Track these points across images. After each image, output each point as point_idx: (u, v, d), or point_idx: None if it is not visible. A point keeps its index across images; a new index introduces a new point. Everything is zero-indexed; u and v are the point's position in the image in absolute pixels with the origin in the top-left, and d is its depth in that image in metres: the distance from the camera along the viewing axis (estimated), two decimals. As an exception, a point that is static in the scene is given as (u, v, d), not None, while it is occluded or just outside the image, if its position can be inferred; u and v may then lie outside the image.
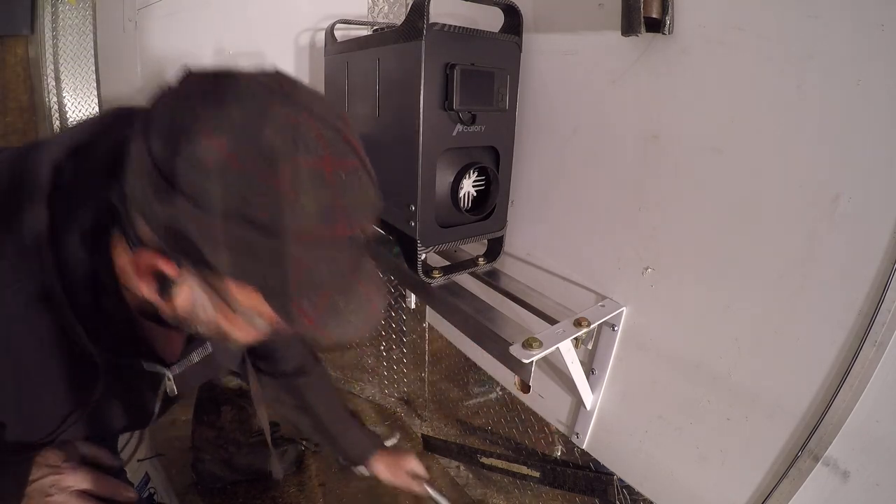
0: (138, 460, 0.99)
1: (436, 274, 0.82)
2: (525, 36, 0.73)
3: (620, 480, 0.87)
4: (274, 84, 0.38)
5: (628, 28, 0.60)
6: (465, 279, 0.85)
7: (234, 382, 1.14)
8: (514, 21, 0.72)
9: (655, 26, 0.59)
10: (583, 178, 0.76)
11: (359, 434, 0.94)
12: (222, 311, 0.40)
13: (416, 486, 0.91)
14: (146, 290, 0.40)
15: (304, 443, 1.38)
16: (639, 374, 0.74)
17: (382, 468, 0.93)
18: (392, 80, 0.74)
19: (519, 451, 1.16)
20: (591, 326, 0.69)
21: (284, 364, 0.84)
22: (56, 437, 0.52)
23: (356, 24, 1.04)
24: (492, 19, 0.76)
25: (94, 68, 2.36)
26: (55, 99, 2.30)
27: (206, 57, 1.54)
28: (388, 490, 1.27)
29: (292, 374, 0.86)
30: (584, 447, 0.85)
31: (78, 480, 0.58)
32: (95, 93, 2.38)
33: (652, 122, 0.64)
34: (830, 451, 0.53)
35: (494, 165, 0.78)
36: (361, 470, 0.94)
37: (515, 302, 0.81)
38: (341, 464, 0.96)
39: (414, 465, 0.93)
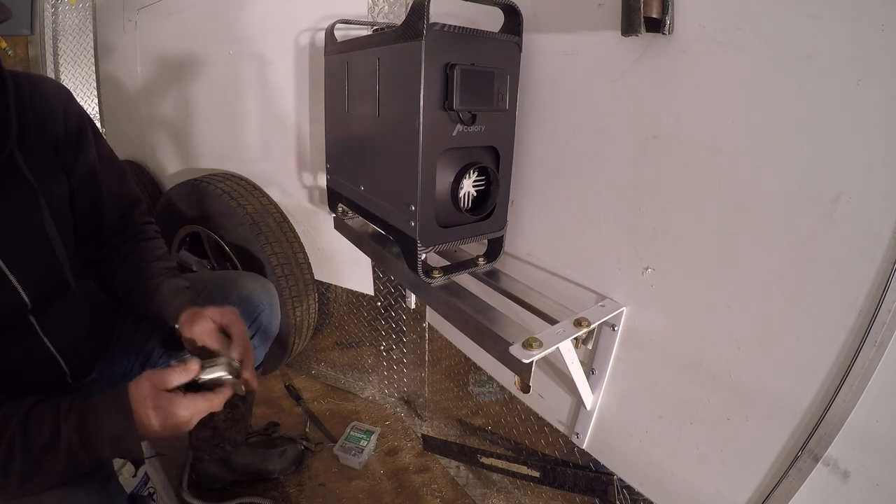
0: None
1: (436, 274, 0.82)
2: (525, 36, 0.73)
3: (620, 480, 0.87)
4: None
5: (628, 28, 0.60)
6: (465, 279, 0.85)
7: None
8: (514, 21, 0.72)
9: (655, 26, 0.59)
10: (583, 178, 0.76)
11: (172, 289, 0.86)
12: None
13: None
14: None
15: (303, 443, 1.38)
16: (639, 374, 0.74)
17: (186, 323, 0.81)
18: (392, 80, 0.74)
19: (519, 451, 1.16)
20: (591, 326, 0.69)
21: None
22: None
23: (356, 24, 1.04)
24: (492, 19, 0.76)
25: (94, 68, 2.37)
26: (55, 99, 2.29)
27: (206, 57, 1.54)
28: (388, 490, 1.27)
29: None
30: (584, 447, 0.86)
31: (166, 380, 0.65)
32: (95, 93, 2.39)
33: (652, 122, 0.64)
34: (830, 451, 0.53)
35: (494, 165, 0.78)
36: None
37: (515, 302, 0.81)
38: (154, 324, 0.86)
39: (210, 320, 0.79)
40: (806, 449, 0.55)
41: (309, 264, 1.45)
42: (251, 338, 1.05)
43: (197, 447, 1.21)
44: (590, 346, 0.79)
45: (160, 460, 1.11)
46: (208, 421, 1.15)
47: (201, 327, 0.78)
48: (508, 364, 0.66)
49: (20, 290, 0.72)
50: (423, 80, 0.65)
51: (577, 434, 0.85)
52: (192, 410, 0.66)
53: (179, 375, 0.66)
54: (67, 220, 0.80)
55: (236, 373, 0.73)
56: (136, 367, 0.95)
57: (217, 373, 0.71)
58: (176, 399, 0.64)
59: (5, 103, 0.68)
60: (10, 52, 2.54)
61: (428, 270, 0.81)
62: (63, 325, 0.79)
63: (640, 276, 0.70)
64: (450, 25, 0.65)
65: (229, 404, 1.17)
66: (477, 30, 0.69)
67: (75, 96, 0.83)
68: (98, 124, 2.38)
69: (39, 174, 0.73)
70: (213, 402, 0.69)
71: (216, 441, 1.18)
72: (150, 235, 0.93)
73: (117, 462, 0.93)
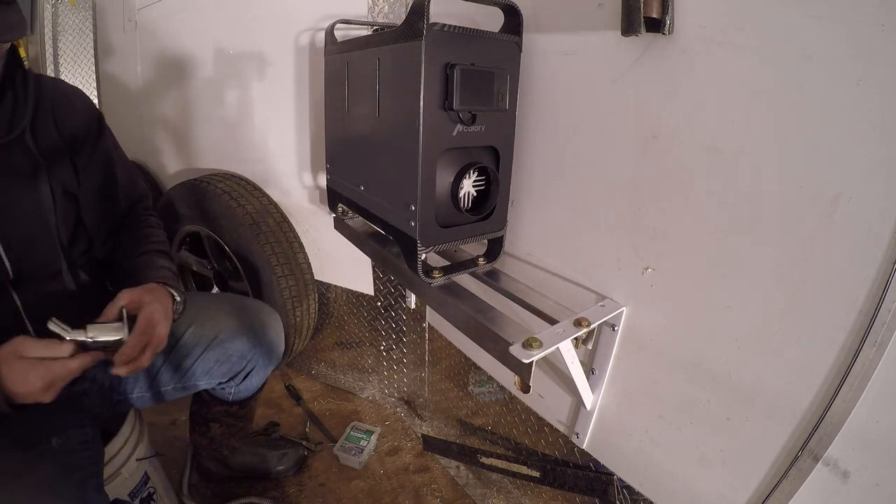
0: (137, 459, 0.98)
1: (436, 274, 0.82)
2: (525, 36, 0.73)
3: (620, 480, 0.87)
4: None
5: (628, 28, 0.60)
6: (465, 279, 0.85)
7: (220, 407, 1.13)
8: (514, 21, 0.72)
9: (655, 26, 0.59)
10: (583, 178, 0.76)
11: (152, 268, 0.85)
12: None
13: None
14: None
15: (303, 442, 1.38)
16: (639, 374, 0.74)
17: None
18: (392, 80, 0.74)
19: (519, 451, 1.16)
20: (591, 326, 0.69)
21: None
22: None
23: (356, 24, 1.04)
24: (492, 19, 0.76)
25: (93, 68, 2.36)
26: (55, 99, 2.29)
27: (206, 57, 1.54)
28: (388, 490, 1.27)
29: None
30: (584, 447, 0.86)
31: (27, 348, 0.65)
32: (96, 93, 2.38)
33: (652, 122, 0.64)
34: (830, 451, 0.53)
35: (494, 165, 0.78)
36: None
37: (515, 302, 0.81)
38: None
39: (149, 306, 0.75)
40: (806, 449, 0.55)
41: (309, 264, 1.45)
42: (248, 373, 1.02)
43: (196, 446, 1.22)
44: (590, 346, 0.79)
45: (160, 460, 1.10)
46: (206, 432, 1.16)
47: (118, 300, 0.75)
48: (508, 364, 0.66)
49: (4, 257, 0.74)
50: (423, 80, 0.65)
51: (577, 434, 0.85)
52: (45, 380, 0.64)
53: (44, 349, 0.65)
54: (69, 206, 0.84)
55: (115, 344, 0.70)
56: (141, 379, 0.93)
57: (101, 336, 0.69)
58: (29, 367, 0.64)
59: (25, 92, 0.77)
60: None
61: (428, 270, 0.81)
62: (47, 307, 0.77)
63: (640, 276, 0.70)
64: (450, 25, 0.65)
65: (226, 423, 1.16)
66: (477, 30, 0.69)
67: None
68: (98, 124, 2.39)
69: (48, 157, 0.79)
70: (69, 368, 0.66)
71: (214, 447, 1.19)
72: (149, 224, 0.96)
73: (114, 464, 0.92)
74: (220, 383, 1.02)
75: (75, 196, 0.85)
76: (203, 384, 0.98)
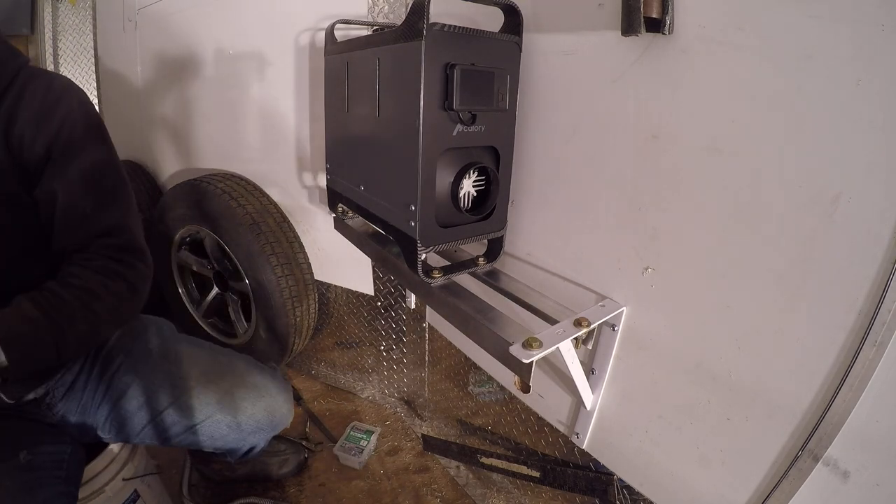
0: (124, 479, 0.92)
1: (436, 274, 0.82)
2: (525, 36, 0.73)
3: (620, 480, 0.87)
4: None
5: (628, 28, 0.60)
6: (465, 279, 0.85)
7: (221, 459, 1.11)
8: (514, 21, 0.72)
9: (655, 26, 0.59)
10: (583, 178, 0.76)
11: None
12: None
13: None
14: None
15: (303, 442, 1.38)
16: (639, 374, 0.74)
17: None
18: (392, 80, 0.74)
19: (519, 451, 1.16)
20: (591, 326, 0.69)
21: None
22: None
23: (356, 24, 1.04)
24: (492, 19, 0.76)
25: (93, 68, 2.36)
26: (55, 99, 2.29)
27: (206, 57, 1.54)
28: (388, 490, 1.27)
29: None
30: (584, 447, 0.86)
31: None
32: (95, 93, 2.38)
33: (652, 122, 0.64)
34: (830, 451, 0.53)
35: (494, 165, 0.78)
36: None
37: (515, 302, 0.81)
38: None
39: None
40: (806, 449, 0.55)
41: (309, 264, 1.45)
42: (248, 451, 0.99)
43: (194, 466, 1.23)
44: (590, 346, 0.79)
45: (161, 466, 1.09)
46: (207, 465, 1.17)
47: None
48: (508, 364, 0.66)
49: None
50: (423, 80, 0.65)
51: (577, 434, 0.85)
52: None
53: None
54: (20, 234, 0.74)
55: None
56: (145, 424, 0.88)
57: None
58: None
59: None
60: None
61: (428, 270, 0.81)
62: None
63: (640, 276, 0.70)
64: (450, 25, 0.65)
65: (227, 464, 1.16)
66: (477, 30, 0.69)
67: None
68: (98, 124, 2.38)
69: None
70: None
71: (214, 472, 1.20)
72: (80, 263, 0.75)
73: (97, 482, 0.89)
74: (215, 453, 0.98)
75: (36, 224, 0.74)
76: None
